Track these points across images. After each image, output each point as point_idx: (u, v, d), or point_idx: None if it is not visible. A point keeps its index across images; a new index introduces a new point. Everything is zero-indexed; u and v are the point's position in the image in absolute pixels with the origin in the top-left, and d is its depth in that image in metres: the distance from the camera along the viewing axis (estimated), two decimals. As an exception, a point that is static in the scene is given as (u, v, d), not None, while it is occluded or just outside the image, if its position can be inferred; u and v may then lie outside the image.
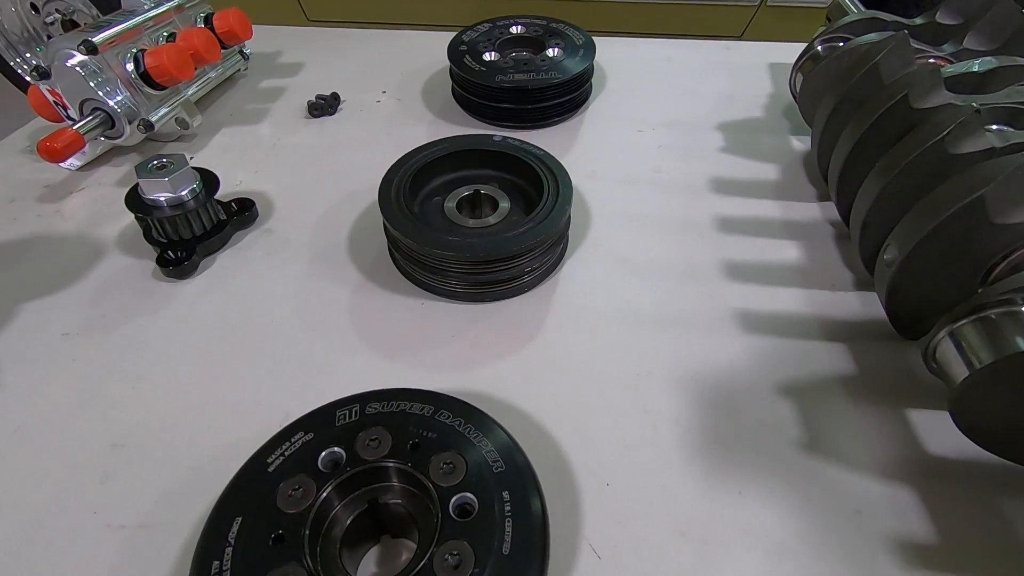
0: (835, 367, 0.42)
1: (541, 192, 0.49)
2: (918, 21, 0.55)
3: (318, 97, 0.70)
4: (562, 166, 0.51)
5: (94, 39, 0.53)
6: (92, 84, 0.55)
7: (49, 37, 2.01)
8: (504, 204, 0.51)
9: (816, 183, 0.58)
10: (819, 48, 0.60)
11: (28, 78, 1.93)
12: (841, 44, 0.58)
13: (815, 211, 0.56)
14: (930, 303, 0.39)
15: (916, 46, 0.52)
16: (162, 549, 0.32)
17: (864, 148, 0.45)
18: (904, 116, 0.43)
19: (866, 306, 0.46)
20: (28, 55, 2.08)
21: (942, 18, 0.54)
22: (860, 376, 0.42)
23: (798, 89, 0.61)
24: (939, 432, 0.38)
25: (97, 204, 0.57)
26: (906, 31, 0.47)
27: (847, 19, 0.57)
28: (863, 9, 0.62)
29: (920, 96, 0.42)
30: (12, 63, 1.98)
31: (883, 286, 0.40)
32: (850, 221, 0.46)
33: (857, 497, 0.35)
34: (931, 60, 0.52)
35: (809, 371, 0.42)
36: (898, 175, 0.40)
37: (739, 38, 1.58)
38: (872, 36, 0.52)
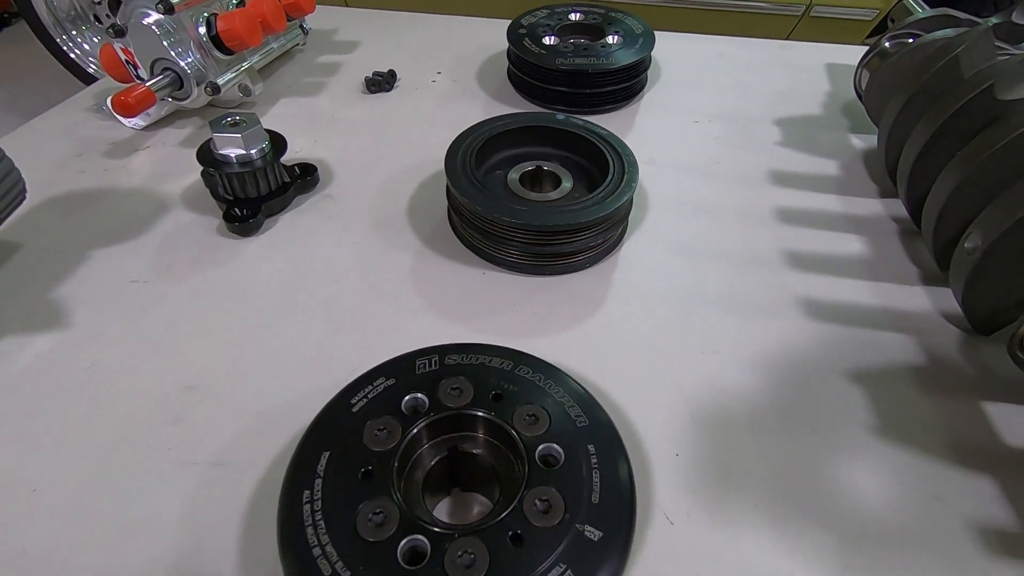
0: (905, 357, 0.42)
1: (604, 170, 0.49)
2: (993, 20, 0.54)
3: (375, 73, 0.70)
4: (626, 145, 0.51)
5: (171, -1, 0.54)
6: (165, 43, 0.56)
7: (96, 17, 2.05)
8: (567, 182, 0.51)
9: (878, 180, 0.58)
10: (887, 44, 0.59)
11: (78, 53, 1.96)
12: (910, 40, 0.57)
13: (877, 207, 0.55)
14: (1011, 295, 0.38)
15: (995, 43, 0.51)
16: (235, 485, 0.32)
17: (941, 139, 0.45)
18: (987, 107, 0.42)
19: (935, 301, 0.46)
20: (74, 33, 2.13)
21: (1018, 18, 0.53)
22: (931, 367, 0.41)
23: (863, 86, 0.61)
24: (1020, 426, 0.37)
25: (161, 162, 0.57)
26: (990, 24, 0.46)
27: (918, 15, 0.56)
28: (929, 9, 0.61)
29: (1006, 87, 0.41)
30: (59, 40, 2.02)
31: (961, 276, 0.39)
32: (923, 212, 0.45)
33: (936, 484, 0.34)
34: (1009, 57, 0.51)
35: (878, 360, 0.41)
36: (982, 164, 0.39)
37: (780, 47, 1.57)
38: (948, 31, 0.52)
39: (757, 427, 0.37)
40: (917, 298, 0.46)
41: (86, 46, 1.94)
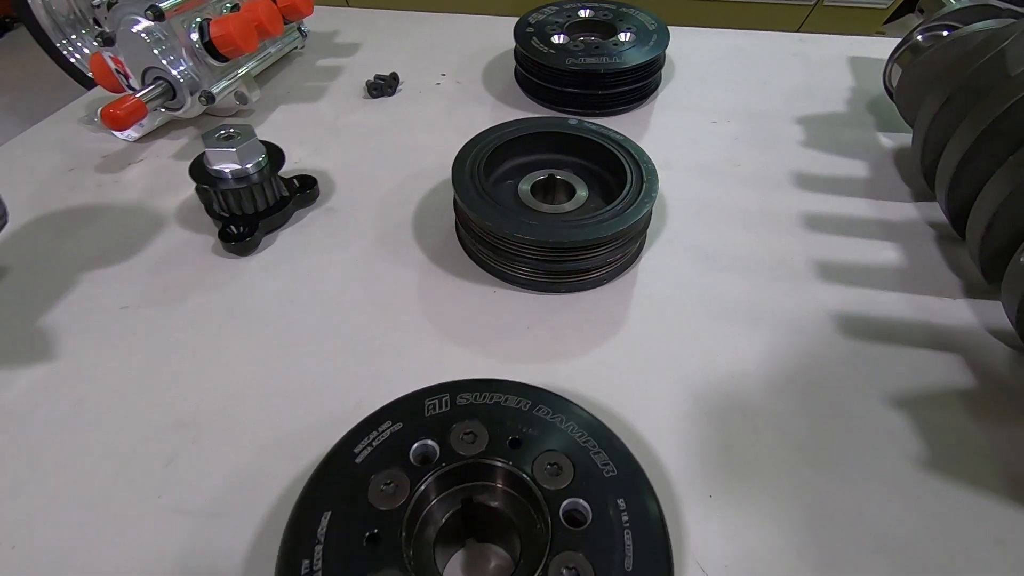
0: (951, 379, 0.38)
1: (621, 179, 0.46)
2: (1036, 9, 0.50)
3: (377, 77, 0.68)
4: (644, 151, 0.48)
5: (161, 5, 0.51)
6: (156, 52, 0.53)
7: (95, 20, 2.04)
8: (582, 191, 0.48)
9: (911, 182, 0.54)
10: (919, 38, 0.56)
11: (78, 57, 1.94)
12: (945, 33, 0.54)
13: (912, 211, 0.52)
14: (1071, 312, 0.35)
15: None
16: (232, 540, 0.30)
17: (987, 141, 0.41)
18: (1040, 106, 0.39)
19: (981, 316, 0.42)
20: (74, 37, 2.11)
21: (1064, 6, 0.49)
22: (981, 390, 0.38)
23: (894, 83, 0.57)
24: (1083, 456, 0.34)
25: (156, 176, 0.55)
26: (1039, 15, 0.43)
27: (953, 6, 0.53)
28: (963, -2, 0.58)
29: (1062, 84, 0.38)
30: (58, 44, 2.00)
31: (1016, 291, 0.36)
32: (969, 219, 0.42)
33: (996, 524, 0.31)
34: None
35: (921, 382, 0.38)
36: (1039, 169, 0.36)
37: (793, 37, 1.53)
38: (989, 23, 0.48)
39: (793, 461, 0.34)
40: (961, 312, 0.43)
41: (86, 50, 1.92)
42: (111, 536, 0.30)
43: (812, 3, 1.52)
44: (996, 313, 0.42)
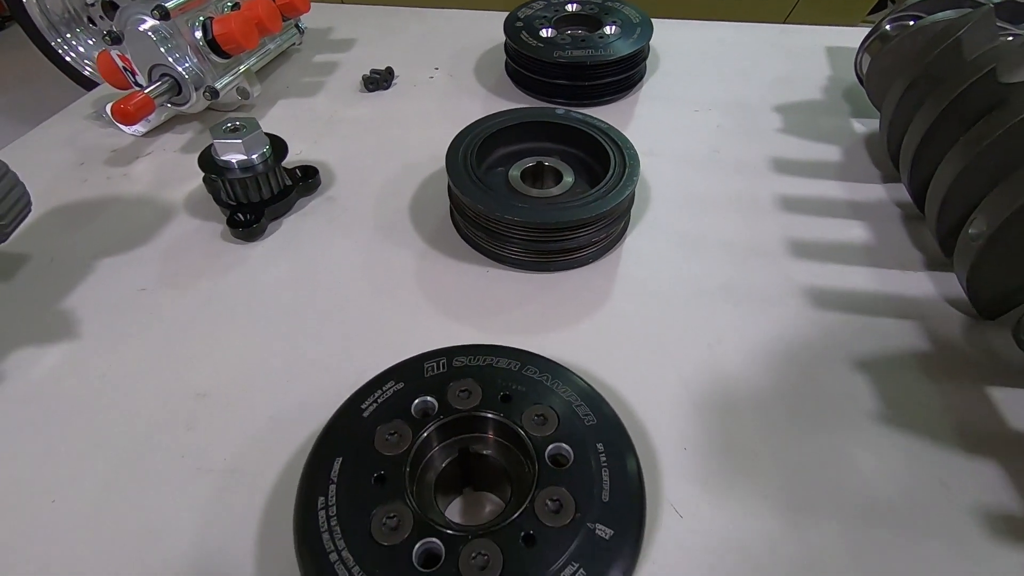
0: (909, 344, 0.42)
1: (605, 164, 0.49)
2: (995, 0, 0.53)
3: (373, 72, 0.70)
4: (627, 139, 0.51)
5: (167, 4, 0.54)
6: (162, 49, 0.56)
7: (90, 19, 2.04)
8: (568, 178, 0.51)
9: (881, 165, 0.58)
10: (887, 27, 0.59)
11: (73, 56, 1.95)
12: (911, 23, 0.57)
13: (880, 192, 0.55)
14: (1016, 280, 0.38)
15: (997, 23, 0.50)
16: (250, 492, 0.33)
17: (944, 123, 0.44)
18: (990, 91, 0.42)
19: (939, 287, 0.46)
20: (69, 36, 2.12)
21: (1021, -3, 0.52)
22: (936, 353, 0.41)
23: (865, 70, 0.60)
24: (1024, 410, 0.37)
25: (163, 168, 0.58)
26: (991, 5, 0.46)
27: (919, -3, 0.56)
28: (932, -11, 0.60)
29: (1009, 70, 0.41)
30: (53, 43, 2.01)
31: (966, 262, 0.39)
32: (927, 197, 0.45)
33: (942, 469, 0.34)
34: (1012, 38, 0.51)
35: (882, 347, 0.42)
36: (986, 149, 0.39)
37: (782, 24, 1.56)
38: (949, 13, 0.51)
39: (763, 417, 0.37)
40: (921, 284, 0.46)
41: (81, 48, 1.94)
42: (141, 491, 0.33)
43: (798, -7, 1.54)
44: (953, 284, 0.45)
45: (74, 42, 1.98)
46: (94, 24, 1.95)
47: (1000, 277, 0.39)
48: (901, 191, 0.54)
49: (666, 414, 0.37)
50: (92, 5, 1.99)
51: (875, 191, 0.55)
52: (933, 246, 0.48)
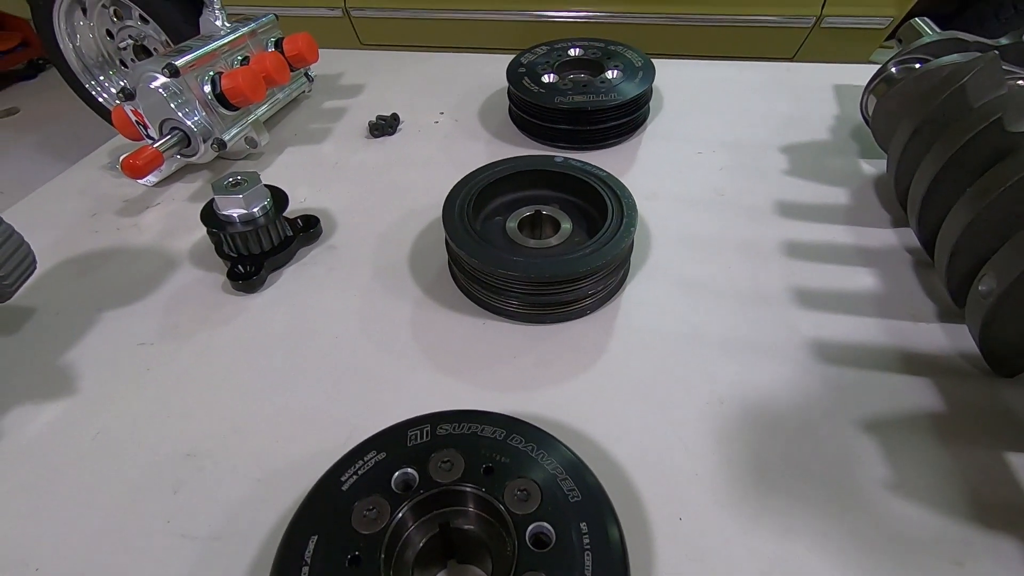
0: (921, 403, 0.40)
1: (604, 213, 0.48)
2: (1003, 41, 0.52)
3: (379, 118, 0.71)
4: (625, 187, 0.50)
5: (176, 62, 0.56)
6: (173, 105, 0.57)
7: (122, 62, 2.14)
8: (566, 225, 0.51)
9: (891, 208, 0.56)
10: (893, 70, 0.58)
11: (105, 97, 2.03)
12: (917, 65, 0.56)
13: (890, 237, 0.53)
14: (1031, 338, 0.37)
15: (1003, 67, 0.49)
16: (231, 562, 0.32)
17: (951, 172, 0.43)
18: (997, 140, 0.41)
19: (952, 339, 0.44)
20: (102, 78, 2.21)
21: (1029, 38, 0.51)
22: (949, 414, 0.39)
23: (870, 112, 0.59)
24: (1045, 478, 0.35)
25: (171, 219, 0.59)
26: (996, 51, 0.45)
27: (925, 39, 0.55)
28: (939, 31, 0.60)
29: (1016, 119, 0.40)
30: (87, 84, 2.11)
31: (977, 319, 0.38)
32: (936, 248, 0.43)
33: (956, 547, 0.32)
34: (1020, 82, 0.49)
35: (892, 406, 0.40)
36: (995, 201, 0.38)
37: (791, 59, 1.56)
38: (955, 56, 0.50)
39: (764, 486, 0.35)
40: (934, 336, 0.44)
41: (113, 90, 2.03)
42: (125, 558, 0.33)
43: (810, 25, 1.54)
44: (967, 336, 0.43)
45: (107, 83, 2.07)
46: (126, 67, 2.04)
47: (1014, 335, 0.37)
48: (911, 235, 0.53)
49: (661, 480, 0.36)
50: (124, 49, 2.09)
51: (884, 236, 0.53)
52: (945, 295, 0.46)
